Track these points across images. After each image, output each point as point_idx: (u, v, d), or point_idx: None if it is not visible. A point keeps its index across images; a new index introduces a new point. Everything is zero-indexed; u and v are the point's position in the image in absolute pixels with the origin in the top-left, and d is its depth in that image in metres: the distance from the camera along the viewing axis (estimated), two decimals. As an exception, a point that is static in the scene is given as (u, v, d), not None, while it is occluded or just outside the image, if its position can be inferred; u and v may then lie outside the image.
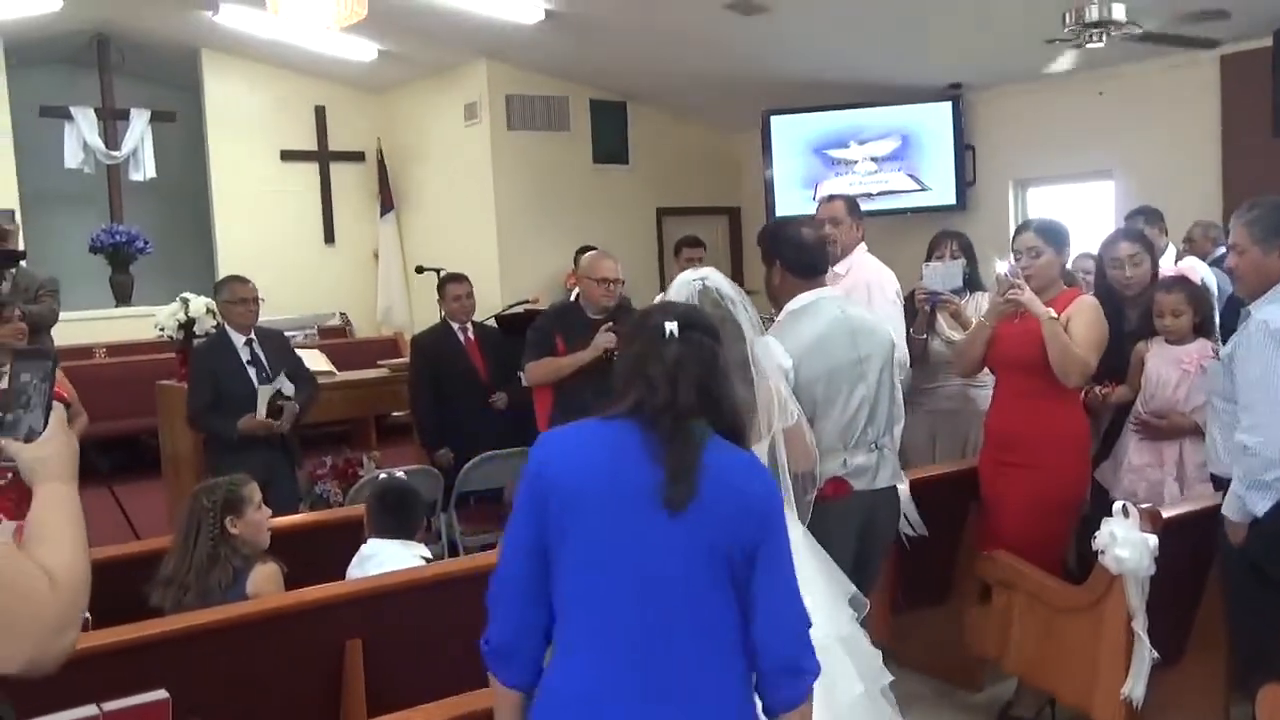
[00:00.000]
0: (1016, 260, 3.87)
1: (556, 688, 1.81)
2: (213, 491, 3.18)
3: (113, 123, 9.65)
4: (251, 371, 4.82)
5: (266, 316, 6.58)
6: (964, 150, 8.29)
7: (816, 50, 7.86)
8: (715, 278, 2.90)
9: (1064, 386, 3.62)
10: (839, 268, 4.78)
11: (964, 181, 8.31)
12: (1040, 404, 3.69)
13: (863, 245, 4.77)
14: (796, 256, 3.37)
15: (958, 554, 4.12)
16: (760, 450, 2.80)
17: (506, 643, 1.84)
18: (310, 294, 9.63)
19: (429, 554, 3.51)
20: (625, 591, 1.77)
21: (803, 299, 3.35)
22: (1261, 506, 2.93)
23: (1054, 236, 3.81)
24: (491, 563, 3.07)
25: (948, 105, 8.28)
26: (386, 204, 10.41)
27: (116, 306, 9.60)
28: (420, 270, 8.38)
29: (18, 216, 8.74)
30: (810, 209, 8.40)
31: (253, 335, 4.97)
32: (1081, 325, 3.63)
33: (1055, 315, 3.61)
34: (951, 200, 8.28)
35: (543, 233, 9.11)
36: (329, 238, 10.49)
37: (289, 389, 4.75)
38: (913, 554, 3.88)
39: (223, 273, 9.76)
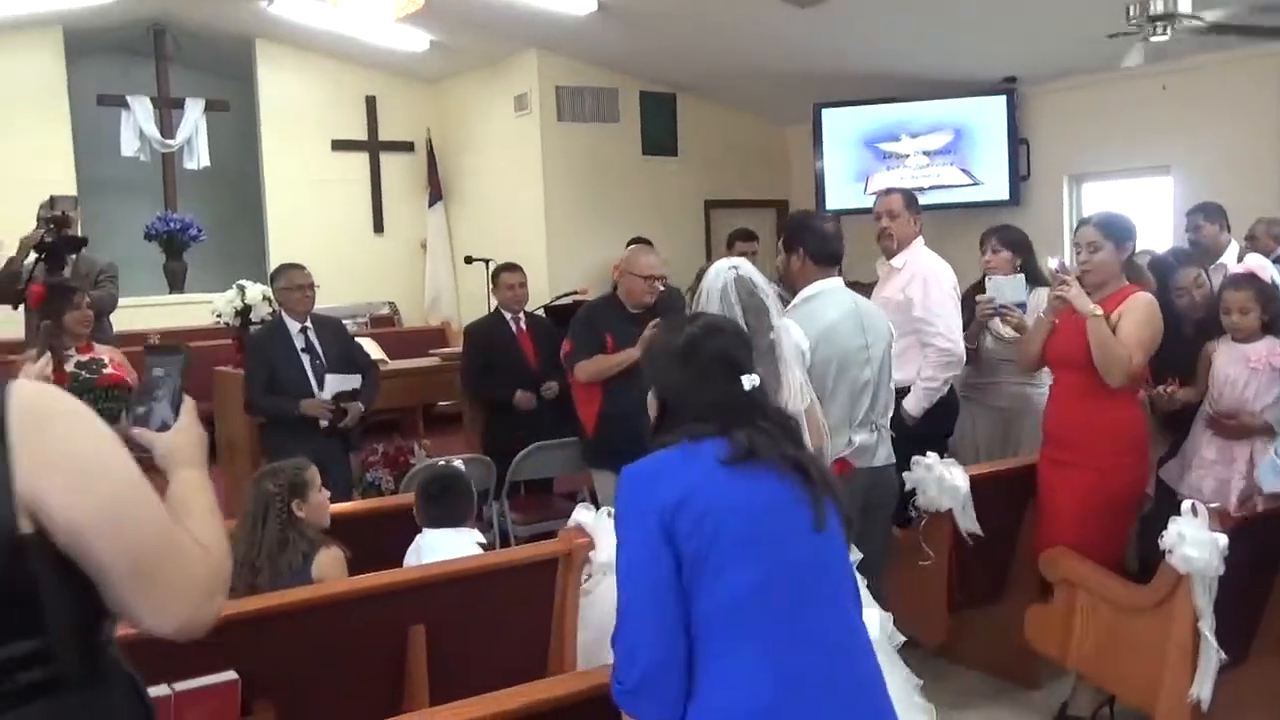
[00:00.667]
0: (1076, 255, 3.83)
1: (730, 708, 1.82)
2: (278, 475, 3.21)
3: (168, 111, 9.76)
4: (306, 359, 4.86)
5: (318, 305, 6.67)
6: (1018, 144, 8.19)
7: (869, 43, 7.79)
8: (747, 267, 3.12)
9: (1136, 382, 3.58)
10: (895, 261, 4.76)
11: (1017, 176, 8.21)
12: (1092, 402, 3.64)
13: (920, 239, 4.75)
14: (820, 246, 3.63)
15: (1015, 552, 4.08)
16: None
17: (655, 677, 1.84)
18: (359, 283, 9.71)
19: (483, 540, 3.51)
20: (785, 607, 1.86)
21: (818, 286, 3.60)
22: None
23: (1114, 230, 3.75)
24: (551, 551, 3.10)
25: (1002, 99, 8.18)
26: (435, 194, 10.46)
27: (170, 293, 9.72)
28: (469, 260, 8.42)
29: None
30: (861, 203, 8.42)
31: (308, 323, 5.01)
32: (1131, 323, 3.58)
33: (1100, 312, 3.57)
34: (1004, 195, 8.19)
35: (591, 224, 9.12)
36: (378, 227, 10.56)
37: (355, 384, 4.80)
38: (971, 552, 3.86)
39: (274, 261, 9.85)
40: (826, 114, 8.68)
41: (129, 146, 9.55)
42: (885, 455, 3.60)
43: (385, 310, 10.12)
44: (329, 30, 9.33)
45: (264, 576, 3.03)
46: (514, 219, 9.47)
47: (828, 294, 3.58)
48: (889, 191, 4.99)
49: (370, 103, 10.39)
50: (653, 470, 1.92)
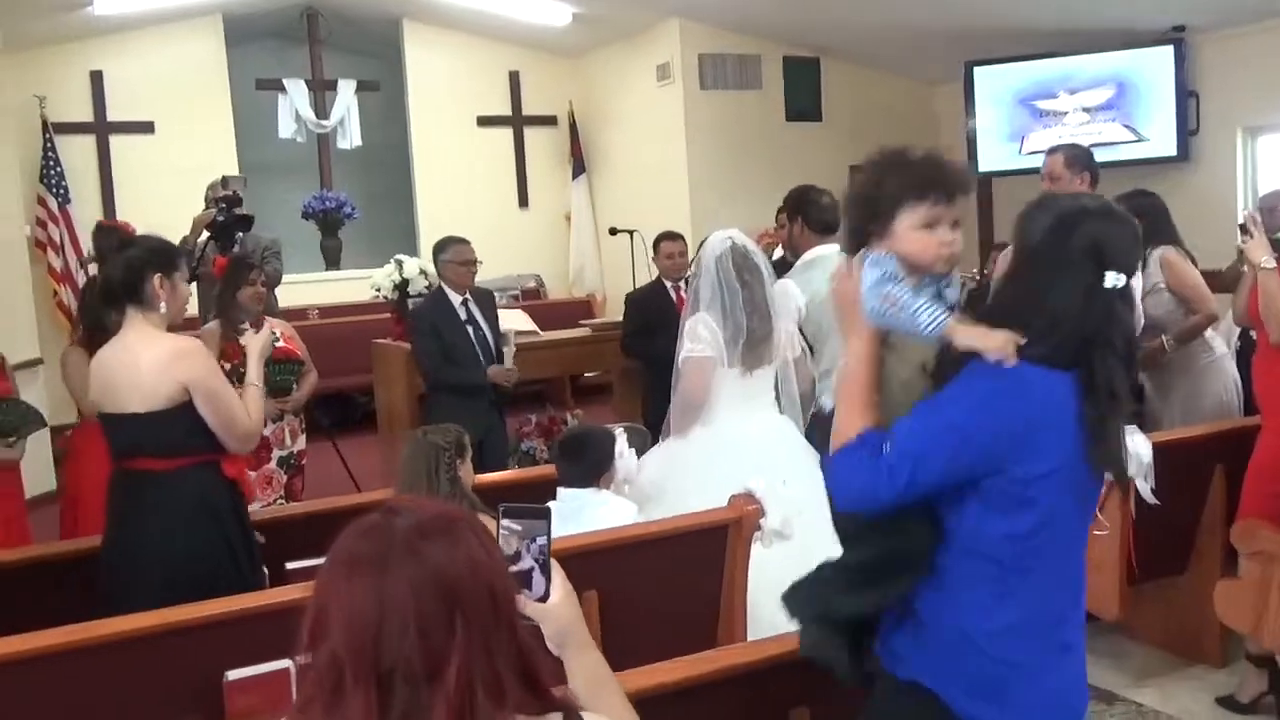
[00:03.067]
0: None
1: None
2: (445, 433, 3.23)
3: (322, 93, 10.04)
4: (469, 329, 4.95)
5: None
6: (1186, 97, 7.77)
7: (1023, -6, 7.49)
8: (740, 236, 3.80)
9: None
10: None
11: (1186, 131, 7.79)
12: (1275, 359, 3.46)
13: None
14: (818, 216, 4.21)
15: (1200, 522, 3.89)
16: (771, 373, 3.79)
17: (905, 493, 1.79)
18: (505, 257, 9.84)
19: (627, 504, 3.40)
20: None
21: (816, 251, 4.14)
22: None
23: None
24: (722, 519, 3.08)
25: (1169, 49, 7.75)
26: (578, 167, 10.52)
27: (326, 270, 10.04)
28: (614, 232, 8.45)
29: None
30: (1017, 163, 8.14)
31: (468, 295, 5.10)
32: None
33: (1272, 264, 3.38)
34: (1172, 151, 7.78)
35: (735, 192, 9.03)
36: (523, 201, 10.68)
37: (511, 350, 4.88)
38: (1151, 522, 3.69)
39: (424, 237, 10.11)
40: (978, 72, 8.39)
41: (286, 128, 9.87)
42: None
43: (532, 283, 10.26)
44: (473, 8, 9.45)
45: None
46: (657, 189, 9.45)
47: (825, 259, 3.97)
48: (1053, 150, 4.78)
49: (514, 78, 10.50)
50: (1029, 378, 1.79)
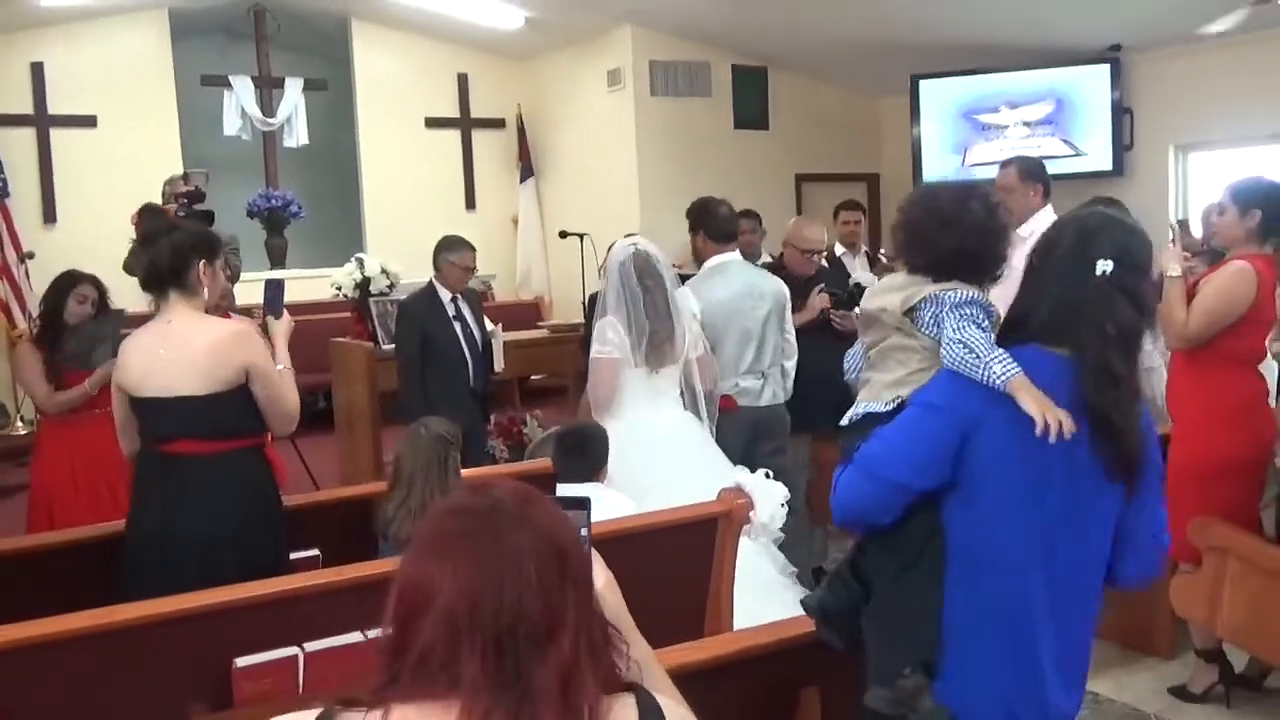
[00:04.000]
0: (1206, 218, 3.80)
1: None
2: (446, 426, 3.29)
3: (268, 91, 9.94)
4: (456, 326, 4.97)
5: (416, 279, 6.78)
6: (1122, 114, 8.07)
7: (967, 12, 7.71)
8: (644, 243, 4.12)
9: (1223, 351, 3.56)
10: (1021, 230, 4.70)
11: (1121, 146, 8.09)
12: (1189, 367, 3.67)
13: (1049, 208, 4.69)
14: (717, 227, 4.58)
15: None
16: (676, 372, 4.06)
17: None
18: (453, 258, 9.81)
19: (623, 497, 3.52)
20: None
21: (716, 260, 4.52)
22: None
23: (1242, 195, 3.70)
24: (711, 512, 3.16)
25: (1105, 67, 8.05)
26: (526, 170, 10.55)
27: (271, 269, 9.93)
28: (564, 235, 8.49)
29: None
30: (960, 174, 8.36)
31: (457, 293, 5.12)
32: (1209, 289, 3.56)
33: (1176, 273, 3.58)
34: (1108, 165, 8.07)
35: (684, 198, 8.83)
36: (470, 203, 10.68)
37: (499, 346, 4.92)
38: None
39: (370, 237, 10.07)
40: (924, 85, 8.61)
41: (231, 126, 9.75)
42: (770, 396, 4.50)
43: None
44: (422, 8, 9.44)
45: None
46: (607, 193, 9.53)
47: (724, 266, 4.49)
48: (1005, 163, 4.93)
49: (462, 80, 10.50)
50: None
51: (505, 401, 8.24)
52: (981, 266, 2.09)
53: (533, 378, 8.96)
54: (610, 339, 4.00)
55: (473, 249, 5.21)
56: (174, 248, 3.04)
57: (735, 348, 4.43)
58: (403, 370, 4.98)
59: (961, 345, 1.93)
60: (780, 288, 4.58)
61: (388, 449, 6.15)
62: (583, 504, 1.54)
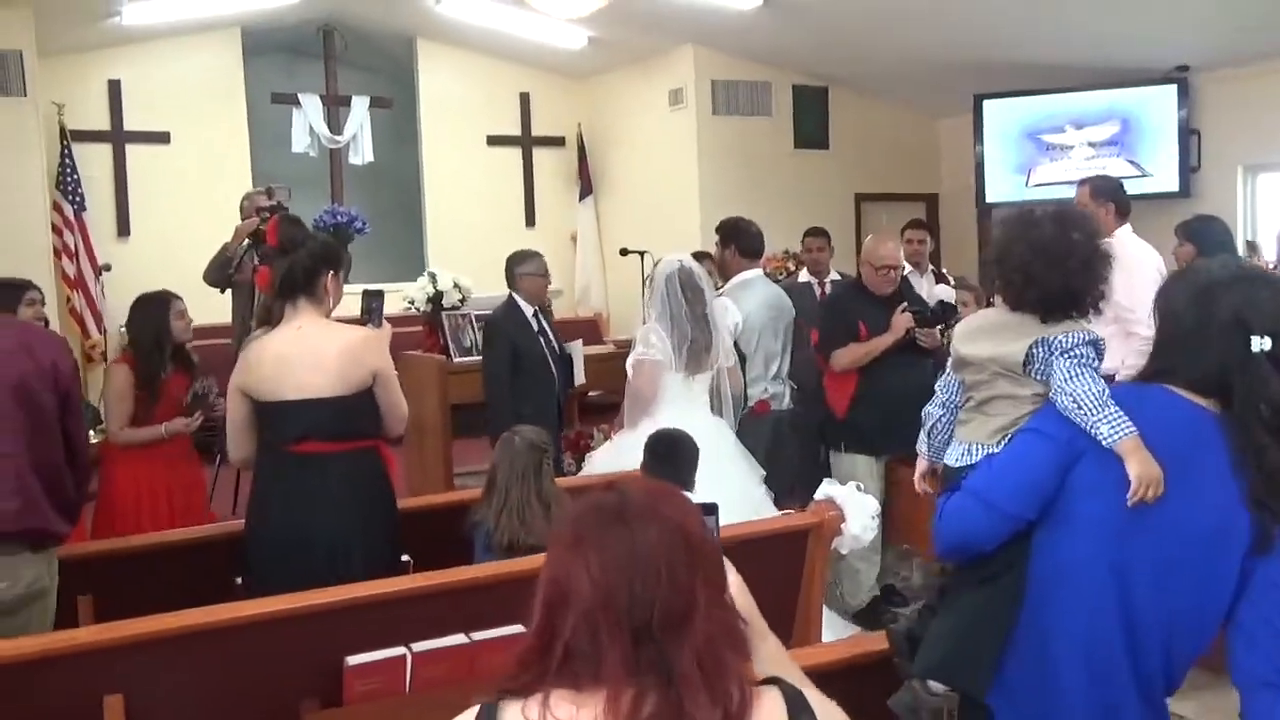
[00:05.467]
0: None
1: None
2: (538, 434, 3.35)
3: (336, 109, 10.12)
4: (541, 340, 5.05)
5: (481, 295, 6.87)
6: (1188, 135, 8.02)
7: (1031, 31, 7.71)
8: (688, 260, 4.47)
9: None
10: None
11: (1188, 167, 8.04)
12: None
13: (1126, 227, 4.70)
14: (748, 243, 5.06)
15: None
16: (708, 379, 4.39)
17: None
18: (513, 276, 9.92)
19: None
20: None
21: (745, 275, 4.99)
22: None
23: None
24: (803, 523, 3.19)
25: (1172, 88, 8.02)
26: (585, 188, 10.66)
27: (336, 283, 10.07)
28: (625, 252, 8.55)
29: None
30: (1023, 195, 8.35)
31: (538, 307, 5.19)
32: None
33: None
34: (1174, 187, 8.03)
35: (743, 215, 9.14)
36: (530, 221, 10.80)
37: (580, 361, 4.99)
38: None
39: (431, 253, 10.20)
40: (987, 105, 8.62)
41: (299, 143, 9.92)
42: (787, 401, 5.01)
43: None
44: (487, 28, 9.59)
45: (536, 529, 3.11)
46: (667, 211, 9.60)
47: (750, 281, 4.99)
48: (1081, 182, 4.97)
49: (524, 99, 10.64)
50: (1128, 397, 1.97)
51: (566, 417, 8.31)
52: (1087, 300, 2.07)
53: (590, 394, 9.03)
54: (654, 343, 4.31)
55: (541, 256, 5.30)
56: (311, 258, 3.14)
57: (767, 355, 4.90)
58: (490, 384, 5.03)
59: (1071, 400, 1.93)
60: (789, 303, 5.11)
61: (459, 462, 6.24)
62: (710, 510, 1.59)
